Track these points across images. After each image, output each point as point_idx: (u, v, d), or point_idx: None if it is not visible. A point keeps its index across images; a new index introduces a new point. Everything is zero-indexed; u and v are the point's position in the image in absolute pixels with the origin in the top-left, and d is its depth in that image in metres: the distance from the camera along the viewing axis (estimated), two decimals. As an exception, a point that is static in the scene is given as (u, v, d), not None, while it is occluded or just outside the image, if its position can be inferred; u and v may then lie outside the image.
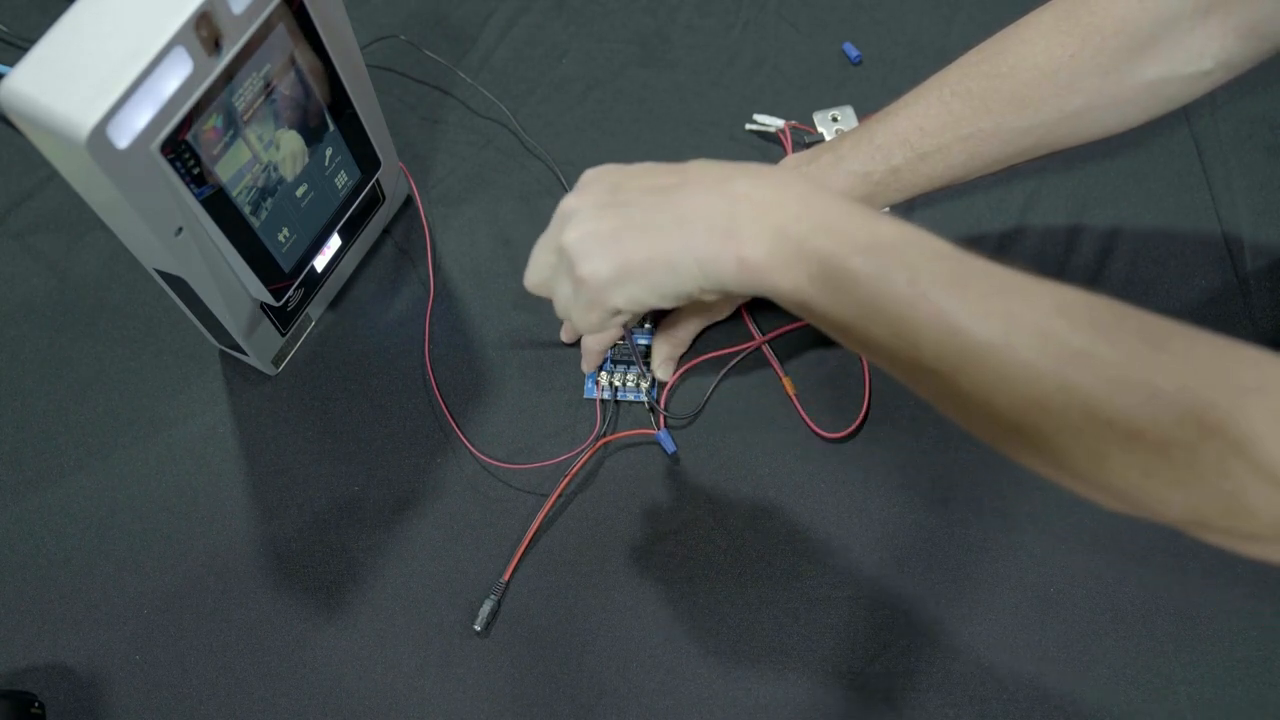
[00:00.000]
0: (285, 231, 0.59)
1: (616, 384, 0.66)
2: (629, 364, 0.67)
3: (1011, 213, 0.71)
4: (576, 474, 0.64)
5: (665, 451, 0.64)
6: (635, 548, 0.63)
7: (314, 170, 0.59)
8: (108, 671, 0.60)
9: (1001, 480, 0.63)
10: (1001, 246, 0.69)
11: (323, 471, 0.65)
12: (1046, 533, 0.62)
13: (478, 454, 0.65)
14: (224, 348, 0.67)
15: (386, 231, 0.72)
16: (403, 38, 0.77)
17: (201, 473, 0.65)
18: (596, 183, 0.51)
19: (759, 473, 0.64)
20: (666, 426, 0.65)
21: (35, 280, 0.70)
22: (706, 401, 0.66)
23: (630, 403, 0.66)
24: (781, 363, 0.67)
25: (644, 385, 0.66)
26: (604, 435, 0.65)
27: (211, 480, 0.65)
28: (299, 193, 0.59)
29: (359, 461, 0.65)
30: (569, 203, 0.51)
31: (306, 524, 0.63)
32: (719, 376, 0.66)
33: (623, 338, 0.65)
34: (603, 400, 0.66)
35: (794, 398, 0.65)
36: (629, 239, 0.48)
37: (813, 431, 0.65)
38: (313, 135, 0.57)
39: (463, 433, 0.65)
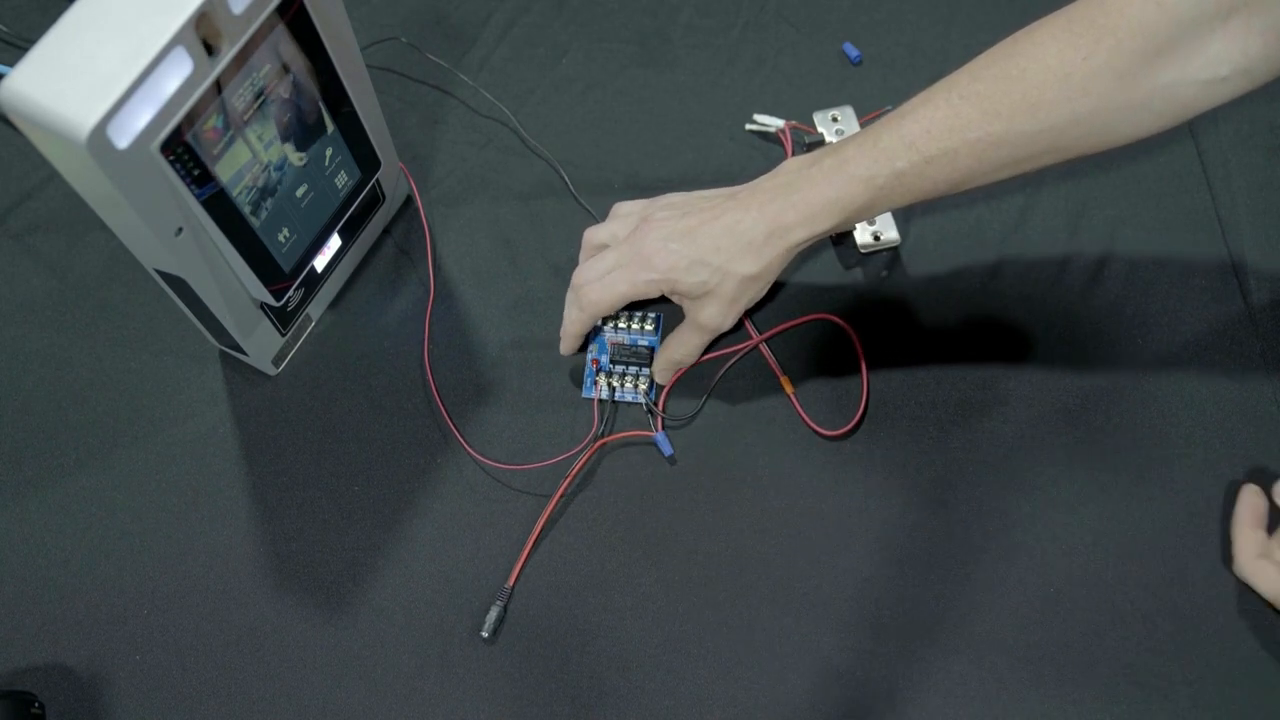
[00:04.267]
0: (285, 231, 0.59)
1: (614, 384, 0.66)
2: (627, 365, 0.67)
3: (1011, 212, 0.71)
4: (575, 475, 0.64)
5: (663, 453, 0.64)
6: (634, 548, 0.63)
7: (314, 170, 0.59)
8: (108, 671, 0.60)
9: (1001, 480, 0.63)
10: (1001, 246, 0.69)
11: (323, 471, 0.65)
12: (1046, 533, 0.62)
13: (475, 455, 0.65)
14: (224, 348, 0.67)
15: (386, 231, 0.72)
16: (403, 39, 0.77)
17: (201, 473, 0.65)
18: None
19: (758, 472, 0.64)
20: (665, 428, 0.65)
21: (35, 280, 0.70)
22: (705, 401, 0.66)
23: (629, 404, 0.66)
24: (780, 362, 0.67)
25: (641, 387, 0.66)
26: (602, 436, 0.65)
27: (211, 480, 0.65)
28: (299, 193, 0.59)
29: (359, 461, 0.65)
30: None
31: (306, 524, 0.64)
32: (717, 376, 0.66)
33: (599, 331, 0.67)
34: (600, 401, 0.66)
35: (793, 397, 0.65)
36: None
37: (812, 430, 0.65)
38: (312, 135, 0.58)
39: (462, 433, 0.65)
